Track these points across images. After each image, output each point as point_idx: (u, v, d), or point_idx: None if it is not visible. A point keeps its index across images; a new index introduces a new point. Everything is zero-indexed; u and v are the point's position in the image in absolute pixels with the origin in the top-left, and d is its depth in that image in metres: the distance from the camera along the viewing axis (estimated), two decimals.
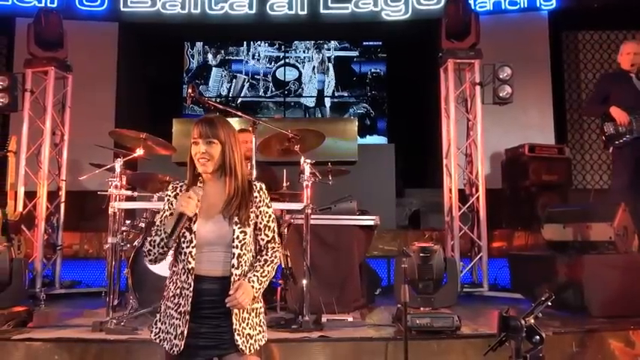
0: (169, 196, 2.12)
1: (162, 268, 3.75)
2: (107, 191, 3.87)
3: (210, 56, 9.60)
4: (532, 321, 1.86)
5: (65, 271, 5.74)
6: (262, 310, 2.14)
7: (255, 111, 9.37)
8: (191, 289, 1.98)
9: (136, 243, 4.00)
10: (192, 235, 2.01)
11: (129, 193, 4.03)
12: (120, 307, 3.95)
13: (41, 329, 3.60)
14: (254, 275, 2.04)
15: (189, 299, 1.97)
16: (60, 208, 5.64)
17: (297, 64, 9.67)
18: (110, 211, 3.83)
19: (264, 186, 2.16)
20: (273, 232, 2.16)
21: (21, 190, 5.43)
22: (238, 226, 2.02)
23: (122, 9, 7.92)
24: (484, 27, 5.67)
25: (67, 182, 5.71)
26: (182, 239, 2.02)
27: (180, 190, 2.10)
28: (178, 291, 2.01)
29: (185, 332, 1.95)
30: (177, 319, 1.98)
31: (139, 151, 4.14)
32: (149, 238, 2.03)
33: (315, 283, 3.81)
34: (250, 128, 3.86)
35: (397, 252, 5.50)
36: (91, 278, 5.88)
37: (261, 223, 2.12)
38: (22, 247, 5.09)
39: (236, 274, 2.00)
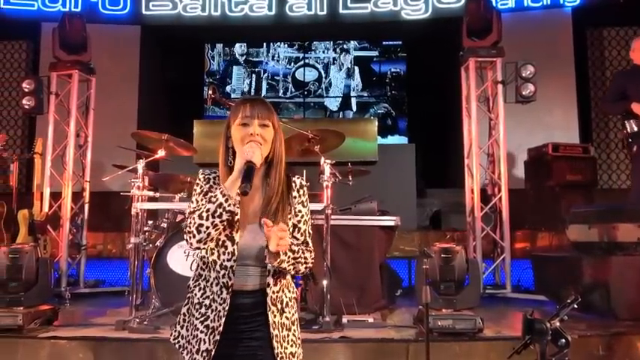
0: (202, 186, 1.82)
1: (183, 268, 3.80)
2: (130, 192, 3.93)
3: (235, 53, 9.66)
4: (557, 324, 1.82)
5: (89, 270, 5.84)
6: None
7: (275, 112, 9.38)
8: (225, 305, 1.72)
9: (158, 243, 4.04)
10: (235, 247, 1.73)
11: (151, 193, 4.08)
12: (142, 306, 3.99)
13: (66, 327, 3.68)
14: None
15: (221, 317, 1.71)
16: (84, 209, 5.74)
17: (316, 64, 9.67)
18: (133, 211, 3.89)
19: (304, 182, 1.87)
20: (304, 236, 1.83)
21: (47, 191, 5.54)
22: None
23: (144, 12, 8.02)
24: (506, 24, 5.59)
25: (91, 183, 5.81)
26: (222, 250, 1.73)
27: (214, 182, 1.81)
28: (207, 302, 1.74)
29: (213, 352, 1.70)
30: (202, 332, 1.72)
31: (161, 152, 4.18)
32: (196, 212, 1.69)
33: (336, 284, 3.81)
34: None
35: (418, 253, 5.45)
36: (115, 278, 5.97)
37: (290, 222, 1.80)
38: (47, 247, 5.20)
39: (274, 292, 1.75)
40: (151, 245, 4.08)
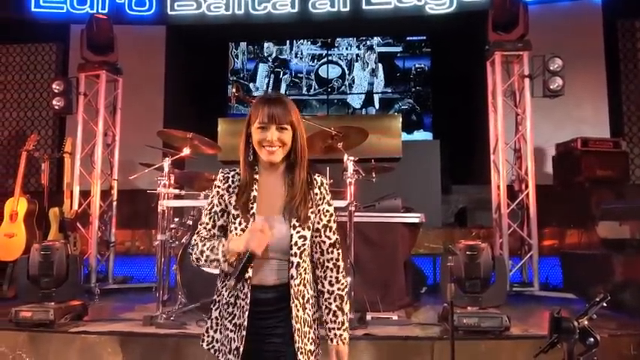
0: (219, 187, 1.84)
1: None
2: (156, 190, 3.99)
3: (259, 51, 9.71)
4: (586, 322, 1.77)
5: (118, 267, 5.96)
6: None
7: (299, 109, 9.39)
8: (247, 300, 1.74)
9: (184, 240, 4.10)
10: None
11: (177, 191, 4.13)
12: (170, 302, 4.06)
13: (96, 323, 3.76)
14: (336, 333, 1.84)
15: (245, 312, 1.74)
16: (112, 207, 5.87)
17: (339, 61, 9.65)
18: (159, 209, 3.95)
19: (325, 181, 1.88)
20: (335, 235, 1.86)
21: (76, 190, 5.68)
22: (297, 229, 1.75)
23: (169, 12, 8.12)
24: (533, 17, 5.48)
25: (119, 181, 5.93)
26: None
27: (232, 180, 1.84)
28: (232, 300, 1.77)
29: (241, 349, 1.73)
30: (231, 331, 1.76)
31: (186, 151, 4.23)
32: (199, 244, 1.78)
33: (360, 281, 3.80)
34: None
35: (443, 250, 5.40)
36: (143, 274, 6.08)
37: (319, 223, 1.83)
38: (77, 244, 5.33)
39: (295, 285, 1.76)
40: (177, 242, 4.14)
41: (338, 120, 8.01)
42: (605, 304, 1.82)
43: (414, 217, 4.30)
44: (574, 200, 6.16)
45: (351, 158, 3.78)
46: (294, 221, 1.76)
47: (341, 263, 1.87)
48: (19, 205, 5.05)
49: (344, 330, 1.85)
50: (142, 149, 4.52)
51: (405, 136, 7.84)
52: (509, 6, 5.32)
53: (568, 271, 4.78)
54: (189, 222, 4.25)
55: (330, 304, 1.85)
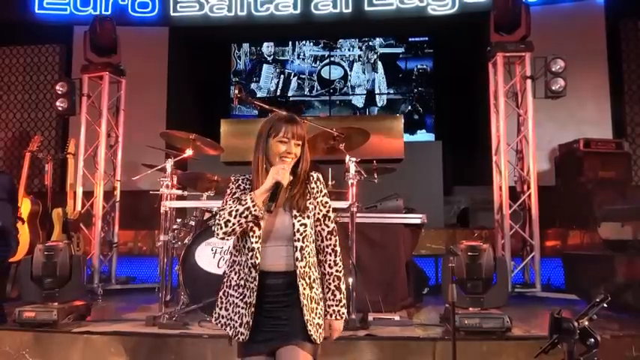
0: (233, 189, 2.11)
1: (211, 265, 3.86)
2: (159, 191, 4.00)
3: (262, 52, 9.73)
4: (586, 323, 1.78)
5: (121, 267, 5.99)
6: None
7: (301, 110, 9.43)
8: (256, 282, 1.98)
9: (186, 241, 4.11)
10: (261, 232, 2.02)
11: (179, 192, 4.14)
12: (172, 302, 4.08)
13: (99, 323, 3.78)
14: (335, 309, 2.09)
15: (254, 292, 1.98)
16: (115, 207, 5.89)
17: (342, 62, 9.66)
18: (162, 209, 3.96)
19: (320, 176, 2.15)
20: (333, 224, 2.14)
21: (79, 190, 5.70)
22: (297, 218, 2.02)
23: (172, 14, 8.14)
24: (535, 18, 5.49)
25: (122, 182, 5.95)
26: (250, 233, 2.01)
27: (245, 185, 2.11)
28: (242, 282, 2.02)
29: (251, 323, 1.97)
30: (242, 308, 2.00)
31: (189, 152, 4.25)
32: (227, 210, 1.97)
33: (362, 282, 3.81)
34: None
35: (445, 251, 5.40)
36: (145, 274, 6.11)
37: (319, 213, 2.11)
38: (80, 245, 5.35)
39: (301, 267, 2.00)
40: (179, 243, 4.15)
41: (340, 121, 8.00)
42: (605, 305, 1.82)
43: (416, 218, 4.31)
44: (576, 201, 6.15)
45: (353, 159, 3.79)
46: (294, 212, 2.03)
47: (338, 248, 2.14)
48: (22, 206, 5.07)
49: (341, 306, 2.11)
50: (145, 150, 4.54)
51: (407, 137, 7.84)
52: (511, 7, 5.32)
53: (570, 272, 4.77)
54: (192, 223, 4.27)
55: (330, 284, 2.12)
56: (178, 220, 4.23)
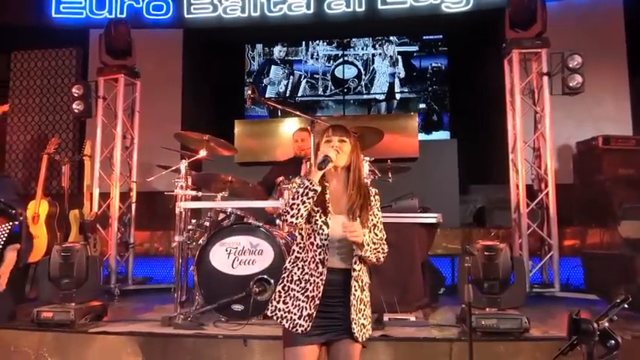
0: (294, 187, 2.35)
1: (225, 265, 3.86)
2: (174, 192, 4.02)
3: (274, 52, 9.75)
4: (606, 324, 1.73)
5: (137, 268, 6.03)
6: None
7: (315, 110, 9.43)
8: (323, 277, 2.17)
9: (201, 241, 4.12)
10: (329, 231, 2.20)
11: (194, 193, 4.16)
12: (188, 302, 4.09)
13: (115, 323, 3.81)
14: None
15: (319, 287, 2.16)
16: (131, 208, 5.94)
17: (355, 61, 9.63)
18: (177, 210, 3.98)
19: (377, 191, 2.39)
20: (382, 234, 2.32)
21: (96, 192, 5.76)
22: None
23: (186, 16, 8.20)
24: (551, 14, 5.40)
25: (138, 183, 5.99)
26: (320, 231, 2.20)
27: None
28: (306, 277, 2.20)
29: (314, 315, 2.14)
30: (303, 301, 2.17)
31: (203, 153, 4.26)
32: (289, 197, 2.23)
33: (377, 282, 3.74)
34: (308, 127, 3.87)
35: (461, 250, 5.35)
36: (161, 275, 6.14)
37: (371, 222, 2.29)
38: (97, 246, 5.40)
39: (357, 270, 2.21)
40: (194, 243, 4.16)
41: (354, 120, 7.98)
42: (626, 306, 1.78)
43: (431, 218, 4.26)
44: (595, 199, 6.04)
45: (367, 158, 3.77)
46: (358, 221, 2.21)
47: (381, 256, 2.31)
48: (40, 207, 5.14)
49: (373, 247, 2.25)
50: (160, 151, 4.56)
51: (422, 136, 7.78)
52: (526, 3, 5.25)
53: (589, 272, 4.69)
54: (207, 223, 4.27)
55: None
56: (193, 221, 4.24)
